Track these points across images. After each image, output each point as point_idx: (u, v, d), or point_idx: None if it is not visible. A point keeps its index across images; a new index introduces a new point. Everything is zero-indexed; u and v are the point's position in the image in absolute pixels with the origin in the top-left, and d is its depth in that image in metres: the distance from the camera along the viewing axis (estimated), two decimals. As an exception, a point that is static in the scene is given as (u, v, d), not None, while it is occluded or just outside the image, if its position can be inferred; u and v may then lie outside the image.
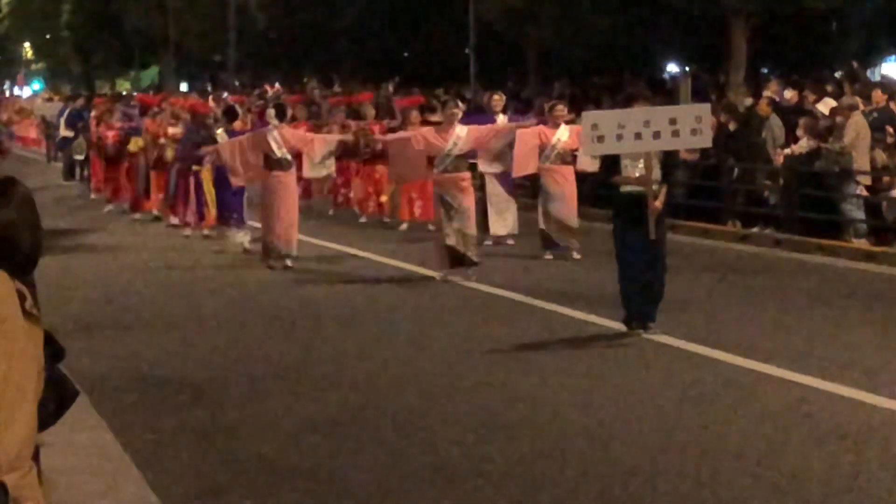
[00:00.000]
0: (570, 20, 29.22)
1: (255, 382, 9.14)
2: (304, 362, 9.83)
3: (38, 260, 3.61)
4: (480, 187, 15.93)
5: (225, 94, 35.24)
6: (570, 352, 10.04)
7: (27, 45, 69.48)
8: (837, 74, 24.25)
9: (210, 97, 31.49)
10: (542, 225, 15.38)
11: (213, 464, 7.16)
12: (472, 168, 14.52)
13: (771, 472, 6.78)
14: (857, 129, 16.20)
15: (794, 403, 8.24)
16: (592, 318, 11.27)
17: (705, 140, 11.04)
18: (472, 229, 13.57)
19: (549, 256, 15.24)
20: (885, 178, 16.51)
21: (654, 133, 10.25)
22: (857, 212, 16.42)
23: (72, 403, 3.75)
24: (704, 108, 11.18)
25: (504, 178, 16.52)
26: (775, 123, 17.89)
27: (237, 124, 17.75)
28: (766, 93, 19.79)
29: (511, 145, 14.61)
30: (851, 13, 27.48)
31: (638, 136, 10.24)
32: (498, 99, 17.42)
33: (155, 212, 20.36)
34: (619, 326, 10.62)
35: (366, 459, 7.14)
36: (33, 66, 70.91)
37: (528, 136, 15.12)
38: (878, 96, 18.08)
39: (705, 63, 30.62)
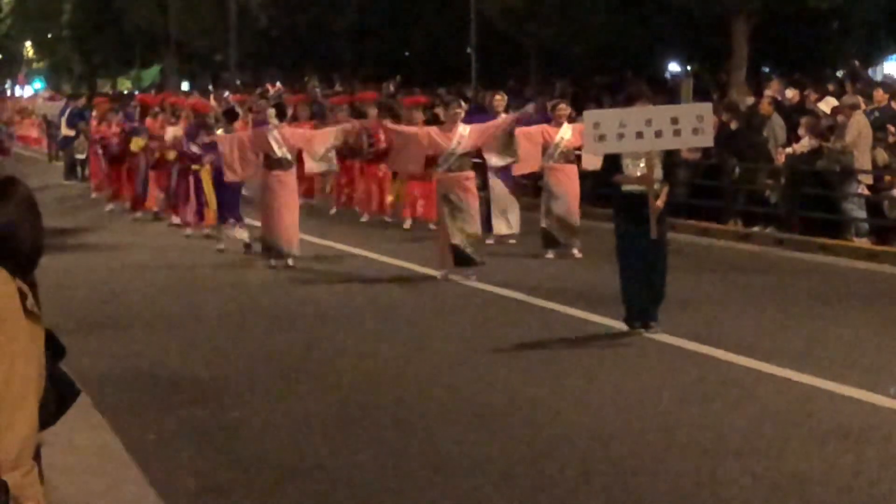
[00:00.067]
0: (571, 19, 29.21)
1: (256, 381, 9.14)
2: (304, 361, 9.83)
3: (39, 259, 3.61)
4: (483, 186, 15.94)
5: (226, 94, 35.23)
6: (571, 351, 10.04)
7: (28, 44, 69.51)
8: (839, 73, 24.31)
9: (211, 96, 31.51)
10: (543, 224, 15.40)
11: (213, 463, 7.16)
12: (475, 168, 14.55)
13: (772, 472, 6.78)
14: (858, 128, 16.20)
15: (794, 403, 8.24)
16: (593, 317, 11.27)
17: (707, 139, 11.04)
18: (477, 229, 13.59)
19: (550, 255, 15.26)
20: (887, 178, 16.51)
21: (655, 132, 10.25)
22: (858, 211, 16.43)
23: (73, 402, 3.74)
24: (706, 108, 11.17)
25: (507, 176, 16.57)
26: (777, 122, 17.90)
27: (238, 125, 17.76)
28: (768, 92, 19.80)
29: (513, 134, 14.55)
30: (853, 12, 27.43)
31: (639, 135, 10.24)
32: (500, 99, 17.45)
33: (154, 209, 20.41)
34: (620, 325, 10.62)
35: (366, 458, 7.15)
36: (34, 65, 70.94)
37: (530, 133, 15.16)
38: (880, 95, 18.10)
39: (707, 62, 30.61)
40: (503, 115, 16.61)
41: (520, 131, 14.80)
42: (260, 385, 9.03)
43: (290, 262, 14.73)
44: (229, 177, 15.22)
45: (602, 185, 13.43)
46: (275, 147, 14.69)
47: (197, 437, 7.70)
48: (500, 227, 16.65)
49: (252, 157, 14.89)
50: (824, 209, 16.62)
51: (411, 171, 15.99)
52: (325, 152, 15.34)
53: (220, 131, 16.98)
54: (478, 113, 18.48)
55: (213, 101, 27.36)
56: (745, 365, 9.33)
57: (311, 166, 15.83)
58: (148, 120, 21.47)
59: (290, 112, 18.43)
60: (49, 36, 61.87)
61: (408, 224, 18.72)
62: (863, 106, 16.97)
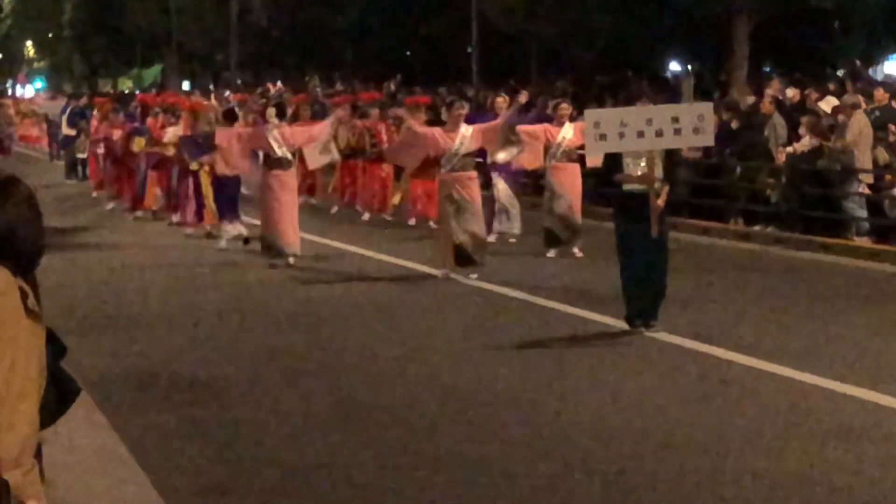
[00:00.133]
0: (572, 19, 29.20)
1: (257, 380, 9.14)
2: (305, 360, 9.83)
3: (39, 258, 3.61)
4: (486, 185, 15.97)
5: (227, 93, 35.27)
6: (572, 350, 10.04)
7: (29, 43, 69.55)
8: (840, 73, 24.28)
9: (212, 95, 31.52)
10: (546, 223, 15.43)
11: (215, 462, 7.16)
12: (477, 167, 14.58)
13: (772, 471, 6.77)
14: (859, 127, 16.20)
15: (795, 402, 8.24)
16: (594, 316, 11.27)
17: (708, 139, 11.04)
18: (480, 228, 13.63)
19: (551, 254, 15.27)
20: (888, 177, 16.50)
21: (656, 131, 10.25)
22: (859, 210, 16.42)
23: (74, 401, 3.75)
24: (707, 107, 11.18)
25: (511, 176, 16.64)
26: (778, 122, 17.90)
27: (237, 126, 17.80)
28: (769, 91, 19.79)
29: (514, 127, 14.60)
30: (854, 11, 27.43)
31: (640, 134, 10.24)
32: (501, 101, 17.48)
33: (153, 208, 20.47)
34: (620, 324, 10.62)
35: (367, 457, 7.15)
36: (35, 65, 70.97)
37: (533, 131, 15.25)
38: (881, 95, 18.09)
39: (707, 61, 30.61)
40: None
41: (522, 129, 14.92)
42: (260, 384, 9.03)
43: (291, 260, 14.74)
44: (220, 168, 15.33)
45: (603, 184, 13.45)
46: (275, 146, 14.71)
47: (198, 436, 7.70)
48: (502, 226, 16.69)
49: (248, 153, 15.00)
50: (825, 208, 16.62)
51: (406, 166, 16.24)
52: (325, 145, 15.48)
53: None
54: (479, 113, 18.52)
55: (213, 101, 27.37)
56: (745, 364, 9.33)
57: (313, 161, 15.93)
58: (149, 119, 21.53)
59: (290, 112, 18.44)
60: (50, 35, 61.91)
61: (412, 221, 18.80)
62: (863, 105, 16.97)
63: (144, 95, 28.24)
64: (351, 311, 11.98)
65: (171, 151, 18.77)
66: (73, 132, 28.55)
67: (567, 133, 15.27)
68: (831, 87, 20.12)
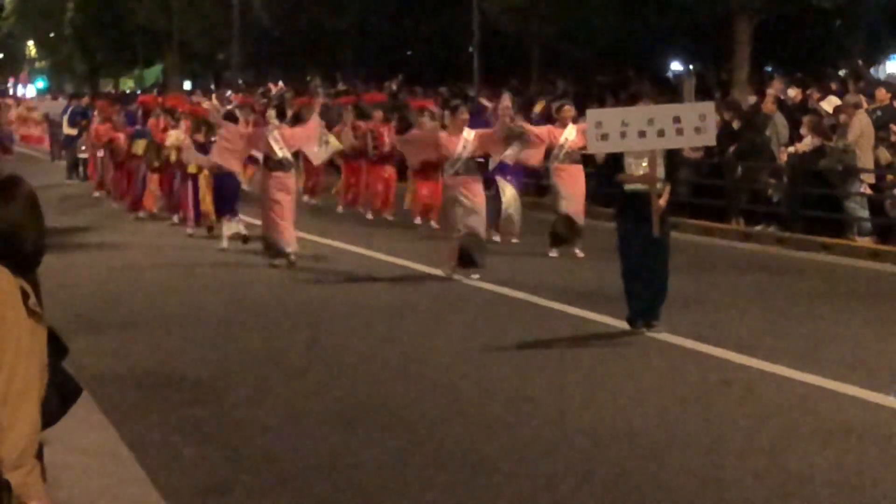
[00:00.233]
0: (573, 18, 29.21)
1: (259, 380, 9.14)
2: (306, 360, 9.83)
3: (41, 258, 3.61)
4: (487, 186, 16.00)
5: (228, 93, 35.28)
6: (573, 350, 10.04)
7: (31, 43, 69.58)
8: (841, 72, 24.27)
9: (213, 95, 31.54)
10: (553, 223, 15.52)
11: (216, 462, 7.16)
12: (479, 167, 14.63)
13: (774, 471, 6.77)
14: (861, 127, 16.20)
15: (797, 402, 8.23)
16: (595, 316, 11.27)
17: (709, 138, 11.04)
18: (483, 231, 13.68)
19: (554, 254, 15.31)
20: (889, 176, 16.51)
21: (658, 131, 10.25)
22: (860, 210, 16.42)
23: (75, 401, 3.75)
24: (708, 107, 11.18)
25: (515, 178, 16.70)
26: (779, 121, 17.90)
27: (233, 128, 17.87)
28: (770, 91, 19.79)
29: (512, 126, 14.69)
30: (855, 11, 27.44)
31: (642, 134, 10.24)
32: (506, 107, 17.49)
33: (153, 210, 20.52)
34: (622, 325, 10.62)
35: (368, 457, 7.14)
36: (37, 65, 71.00)
37: (537, 132, 15.29)
38: (882, 94, 18.09)
39: (709, 61, 30.61)
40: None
41: (528, 129, 15.09)
42: (261, 384, 9.03)
43: (293, 258, 14.80)
44: (214, 157, 15.51)
45: (605, 184, 13.47)
46: (275, 148, 14.77)
47: (199, 436, 7.70)
48: (505, 227, 16.73)
49: (243, 153, 15.22)
50: (827, 208, 16.61)
51: (409, 162, 16.54)
52: (321, 139, 15.73)
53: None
54: (478, 117, 18.53)
55: (214, 101, 27.38)
56: (747, 364, 9.33)
57: (317, 158, 16.09)
58: (151, 121, 21.58)
59: (290, 113, 18.50)
60: (51, 35, 61.91)
61: (419, 220, 18.87)
62: (865, 105, 16.97)
63: (145, 97, 28.23)
64: (351, 311, 11.98)
65: (173, 156, 18.80)
66: (74, 132, 28.56)
67: (570, 134, 15.32)
68: (833, 86, 20.13)
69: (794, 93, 19.83)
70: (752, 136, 17.97)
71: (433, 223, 18.07)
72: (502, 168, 16.19)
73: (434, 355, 9.90)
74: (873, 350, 9.84)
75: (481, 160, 14.79)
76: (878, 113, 17.29)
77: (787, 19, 26.15)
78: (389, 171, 20.24)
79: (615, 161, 10.60)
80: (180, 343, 10.57)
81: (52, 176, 28.35)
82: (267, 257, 14.93)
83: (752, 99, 20.50)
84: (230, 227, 16.61)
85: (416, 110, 19.94)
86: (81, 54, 57.44)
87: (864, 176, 16.46)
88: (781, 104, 18.68)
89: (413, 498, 6.51)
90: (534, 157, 15.43)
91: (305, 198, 21.77)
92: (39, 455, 3.45)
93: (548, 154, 15.56)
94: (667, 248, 10.53)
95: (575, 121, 15.55)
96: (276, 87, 35.90)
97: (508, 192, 16.66)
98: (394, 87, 32.51)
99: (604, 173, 11.79)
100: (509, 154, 15.06)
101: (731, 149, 18.04)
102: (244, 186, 17.21)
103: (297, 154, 15.80)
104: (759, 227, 17.39)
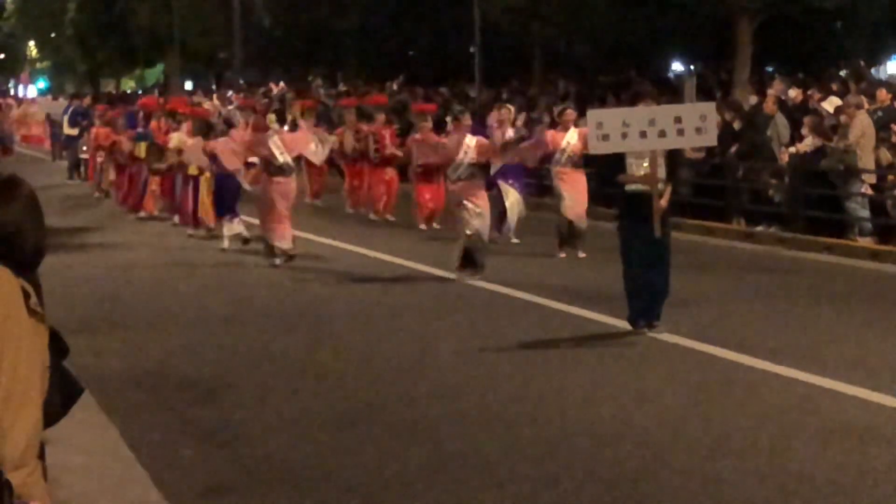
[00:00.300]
0: (574, 18, 29.19)
1: (261, 381, 9.14)
2: (308, 360, 9.83)
3: (42, 258, 3.61)
4: (489, 187, 16.02)
5: (230, 93, 35.29)
6: (575, 350, 10.03)
7: (32, 43, 69.54)
8: (842, 73, 24.24)
9: (214, 96, 31.54)
10: (557, 225, 15.58)
11: (218, 462, 7.16)
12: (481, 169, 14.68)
13: (776, 472, 6.77)
14: (862, 127, 16.20)
15: (799, 402, 8.23)
16: (597, 316, 11.27)
17: (710, 139, 11.03)
18: (486, 234, 13.71)
19: (562, 255, 15.36)
20: (890, 177, 16.50)
21: (659, 132, 10.25)
22: (861, 210, 16.41)
23: (77, 401, 3.74)
24: (709, 107, 11.18)
25: (518, 181, 16.73)
26: (780, 122, 17.89)
27: (238, 130, 17.88)
28: (771, 91, 19.79)
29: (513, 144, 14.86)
30: (857, 12, 27.41)
31: (643, 134, 10.24)
32: (506, 112, 17.51)
33: (154, 212, 20.56)
34: (623, 325, 10.61)
35: (370, 457, 7.14)
36: (38, 65, 70.96)
37: (534, 142, 15.35)
38: (883, 95, 18.09)
39: (710, 61, 30.59)
40: (510, 132, 16.72)
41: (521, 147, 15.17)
42: (261, 384, 9.03)
43: (292, 253, 14.86)
44: (211, 145, 15.82)
45: (606, 184, 13.49)
46: (276, 153, 14.84)
47: (200, 436, 7.70)
48: (507, 229, 16.76)
49: (242, 157, 15.39)
50: (828, 208, 16.60)
51: (420, 162, 16.89)
52: (318, 141, 15.93)
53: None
54: (478, 123, 18.57)
55: (215, 101, 27.37)
56: (748, 364, 9.32)
57: (317, 158, 16.21)
58: (152, 123, 21.60)
59: (290, 117, 18.58)
60: (53, 35, 61.85)
61: (423, 226, 18.84)
62: (866, 105, 16.96)
63: (147, 99, 28.24)
64: (352, 311, 11.98)
65: (175, 159, 18.81)
66: (74, 132, 28.56)
67: (571, 138, 15.37)
68: (834, 87, 20.12)
69: (795, 93, 19.82)
70: (753, 136, 17.96)
71: (436, 225, 18.12)
72: (504, 172, 16.20)
73: (434, 355, 9.90)
74: (874, 350, 9.84)
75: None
76: (879, 113, 17.29)
77: (789, 20, 26.11)
78: (391, 173, 20.33)
79: (616, 161, 10.59)
80: (181, 343, 10.57)
81: (53, 176, 28.37)
82: (267, 257, 14.94)
83: (754, 99, 20.49)
84: (231, 228, 16.64)
85: (418, 114, 19.95)
86: (82, 54, 57.36)
87: (865, 176, 16.45)
88: (782, 104, 18.68)
89: (412, 498, 6.51)
90: (532, 159, 15.44)
91: (311, 201, 21.81)
92: (41, 455, 3.45)
93: (549, 158, 15.62)
94: (668, 248, 10.53)
95: (576, 124, 15.57)
96: (278, 88, 35.91)
97: (511, 196, 16.68)
98: (395, 86, 32.52)
99: (604, 173, 11.79)
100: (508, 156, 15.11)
101: (732, 149, 18.04)
102: (245, 186, 17.17)
103: (298, 158, 15.88)
104: (760, 228, 17.38)
